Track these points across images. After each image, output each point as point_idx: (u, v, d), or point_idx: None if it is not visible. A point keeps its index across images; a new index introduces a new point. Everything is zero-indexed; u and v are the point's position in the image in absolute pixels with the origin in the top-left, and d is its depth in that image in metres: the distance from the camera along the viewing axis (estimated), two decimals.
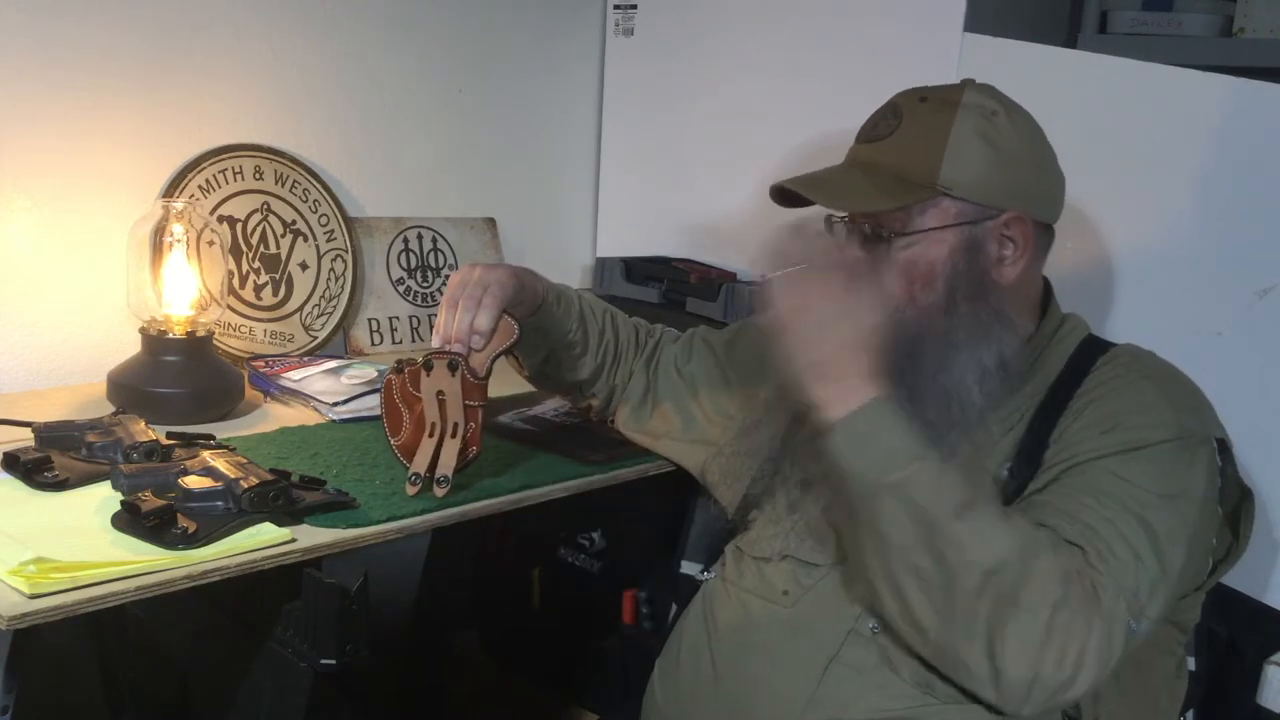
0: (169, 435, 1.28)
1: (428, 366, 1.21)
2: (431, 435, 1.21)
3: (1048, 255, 1.20)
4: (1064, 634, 0.95)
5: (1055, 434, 1.08)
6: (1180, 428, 1.05)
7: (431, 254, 1.99)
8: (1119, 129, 1.50)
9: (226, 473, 1.14)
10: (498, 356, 1.23)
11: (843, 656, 1.08)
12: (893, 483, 0.99)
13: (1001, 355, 1.10)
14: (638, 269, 1.99)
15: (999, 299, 1.13)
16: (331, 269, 1.83)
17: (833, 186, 1.15)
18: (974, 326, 1.11)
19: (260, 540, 1.07)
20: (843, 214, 1.19)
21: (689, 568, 1.55)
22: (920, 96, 1.15)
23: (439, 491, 1.20)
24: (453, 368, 1.19)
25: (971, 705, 1.03)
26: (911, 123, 1.13)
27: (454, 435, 1.21)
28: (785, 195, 1.18)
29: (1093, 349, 1.16)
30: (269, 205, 1.77)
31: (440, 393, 1.20)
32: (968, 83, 1.17)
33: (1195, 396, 1.12)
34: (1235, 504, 1.15)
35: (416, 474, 1.21)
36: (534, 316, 1.30)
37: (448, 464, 1.20)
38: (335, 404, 1.51)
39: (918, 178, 1.12)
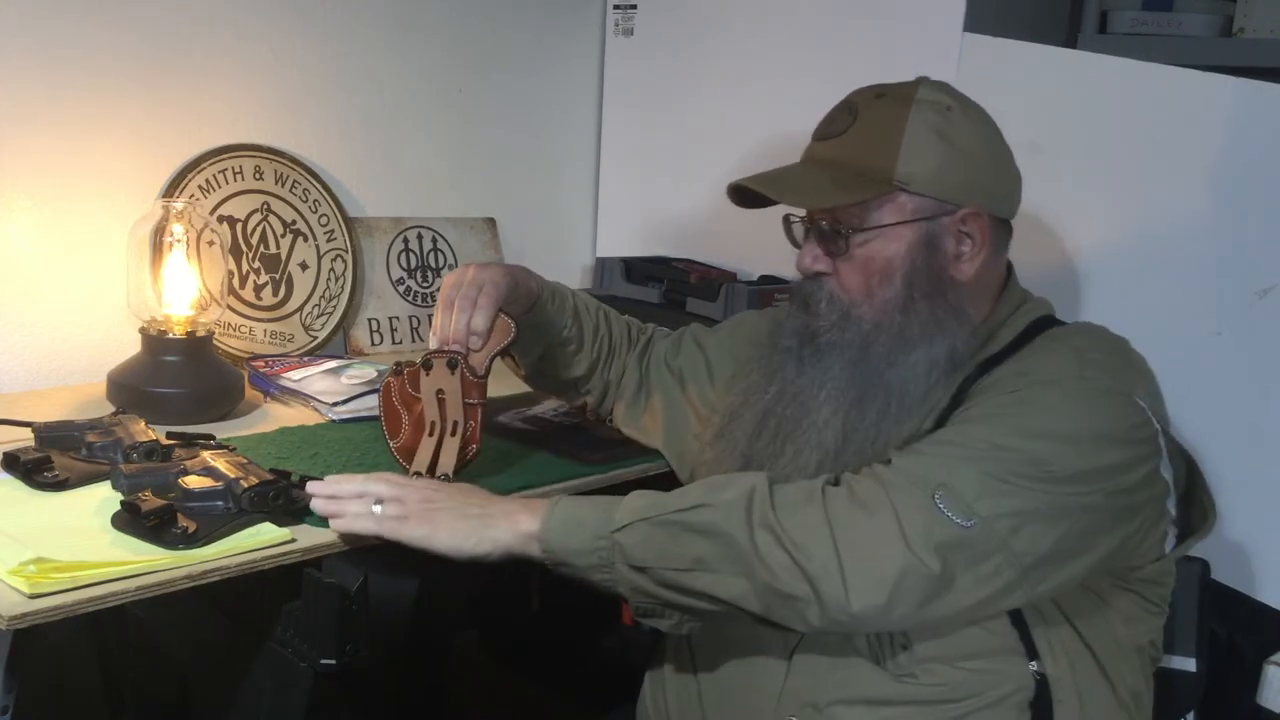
0: (169, 435, 1.28)
1: (427, 366, 1.21)
2: (431, 434, 1.22)
3: (1008, 249, 1.20)
4: (843, 522, 0.97)
5: (967, 397, 1.09)
6: (1079, 379, 1.05)
7: (431, 254, 1.99)
8: (1119, 129, 1.50)
9: (226, 473, 1.14)
10: (496, 355, 1.24)
11: (805, 642, 1.10)
12: (619, 522, 1.04)
13: (953, 349, 1.12)
14: (638, 269, 1.99)
15: (957, 295, 1.13)
16: (331, 269, 1.83)
17: (790, 183, 1.16)
18: (930, 323, 1.12)
19: (260, 540, 1.07)
20: (800, 213, 1.19)
21: None
22: (876, 93, 1.16)
23: None
24: (452, 366, 1.20)
25: (926, 682, 1.04)
26: (867, 119, 1.14)
27: (454, 434, 1.21)
28: (742, 196, 1.20)
29: (1041, 328, 1.15)
30: (269, 205, 1.77)
31: (440, 391, 1.21)
32: (922, 79, 1.17)
33: (1116, 359, 1.10)
34: (1185, 475, 1.14)
35: (418, 473, 1.21)
36: (529, 314, 1.30)
37: (448, 462, 1.20)
38: (335, 404, 1.51)
39: (874, 173, 1.12)
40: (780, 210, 1.20)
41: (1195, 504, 1.15)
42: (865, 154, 1.13)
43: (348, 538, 1.10)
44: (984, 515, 0.97)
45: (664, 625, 1.07)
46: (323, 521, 1.13)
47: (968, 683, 1.06)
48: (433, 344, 1.23)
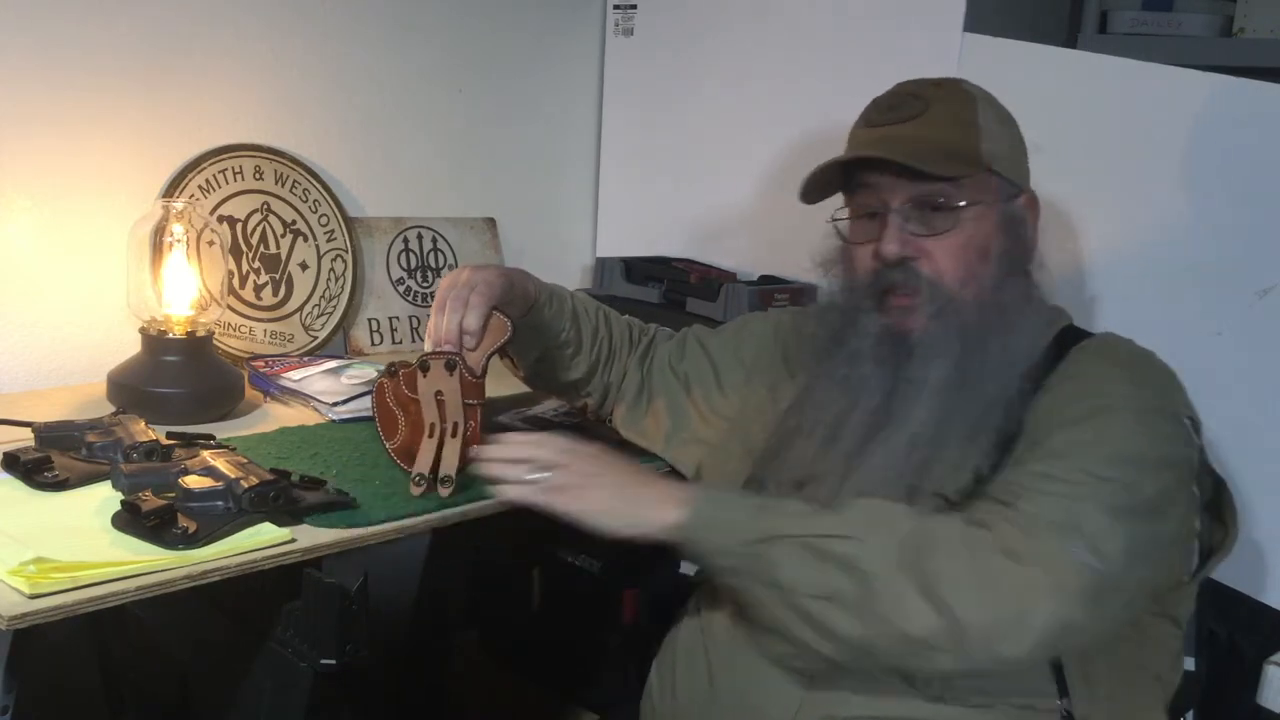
0: (169, 435, 1.28)
1: (424, 368, 1.21)
2: (432, 436, 1.21)
3: None
4: (997, 574, 0.95)
5: (1025, 417, 1.09)
6: (1139, 399, 1.06)
7: (431, 254, 1.99)
8: (1119, 129, 1.50)
9: (226, 472, 1.14)
10: (493, 354, 1.23)
11: None
12: (765, 531, 1.02)
13: (1037, 333, 1.13)
14: (638, 269, 1.99)
15: (1029, 276, 1.16)
16: (331, 269, 1.83)
17: (907, 155, 1.11)
18: (1023, 302, 1.13)
19: (260, 540, 1.07)
20: (844, 212, 1.18)
21: (689, 567, 1.55)
22: (933, 82, 1.18)
23: (443, 491, 1.20)
24: (450, 367, 1.20)
25: (955, 705, 1.03)
26: (940, 102, 1.14)
27: (454, 435, 1.21)
28: (813, 187, 1.18)
29: (1069, 339, 1.16)
30: (269, 205, 1.77)
31: (439, 393, 1.21)
32: (950, 78, 1.19)
33: (1163, 378, 1.11)
34: (1213, 494, 1.15)
35: (420, 474, 1.21)
36: (527, 316, 1.30)
37: (451, 464, 1.20)
38: (335, 404, 1.51)
39: (965, 152, 1.13)
40: (807, 209, 1.19)
41: (1218, 520, 1.15)
42: (953, 134, 1.13)
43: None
44: (1109, 555, 0.97)
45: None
46: (323, 521, 1.13)
47: (997, 707, 1.05)
48: (428, 346, 1.23)
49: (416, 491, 1.20)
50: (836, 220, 1.20)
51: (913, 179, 1.11)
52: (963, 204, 1.11)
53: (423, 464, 1.21)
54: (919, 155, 1.10)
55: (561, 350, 1.36)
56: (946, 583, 0.96)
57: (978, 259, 1.12)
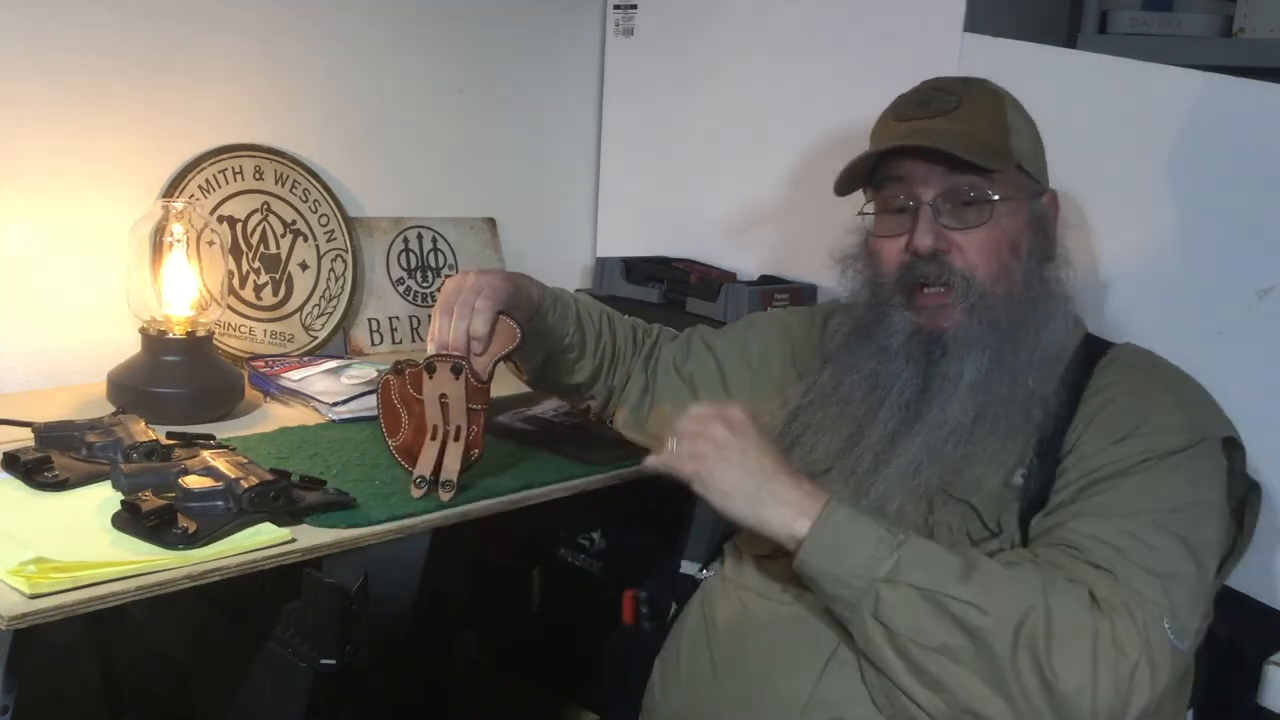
0: (169, 435, 1.28)
1: (430, 369, 1.20)
2: (434, 438, 1.21)
3: None
4: (1108, 661, 0.95)
5: (1068, 441, 1.08)
6: (1193, 431, 1.06)
7: (431, 254, 1.99)
8: (1119, 129, 1.50)
9: (226, 472, 1.14)
10: (500, 360, 1.23)
11: (841, 654, 1.07)
12: (888, 571, 0.99)
13: (1064, 331, 1.14)
14: (638, 269, 1.99)
15: (1057, 270, 1.16)
16: (331, 269, 1.83)
17: (952, 144, 1.11)
18: (1054, 296, 1.14)
19: (260, 540, 1.07)
20: (870, 208, 1.18)
21: (689, 567, 1.55)
22: (961, 79, 1.19)
23: (444, 495, 1.20)
24: (456, 371, 1.19)
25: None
26: (971, 99, 1.15)
27: (457, 438, 1.21)
28: (849, 178, 1.18)
29: (1093, 348, 1.17)
30: (269, 205, 1.77)
31: (443, 396, 1.20)
32: (976, 77, 1.20)
33: (1201, 395, 1.13)
34: (1241, 497, 1.15)
35: (421, 476, 1.21)
36: (531, 321, 1.29)
37: (452, 467, 1.20)
38: (335, 404, 1.51)
39: (996, 148, 1.13)
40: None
41: (1239, 524, 1.15)
42: (983, 129, 1.13)
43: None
44: (1192, 632, 1.00)
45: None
46: (323, 521, 1.13)
47: None
48: (430, 349, 1.22)
49: (417, 494, 1.20)
50: (864, 214, 1.19)
51: (946, 172, 1.11)
52: (996, 198, 1.12)
53: (424, 466, 1.21)
54: (961, 147, 1.10)
55: (565, 354, 1.35)
56: (1063, 673, 0.95)
57: (1010, 253, 1.12)
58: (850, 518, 1.02)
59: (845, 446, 1.15)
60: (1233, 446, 1.10)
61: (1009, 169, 1.13)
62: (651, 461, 1.10)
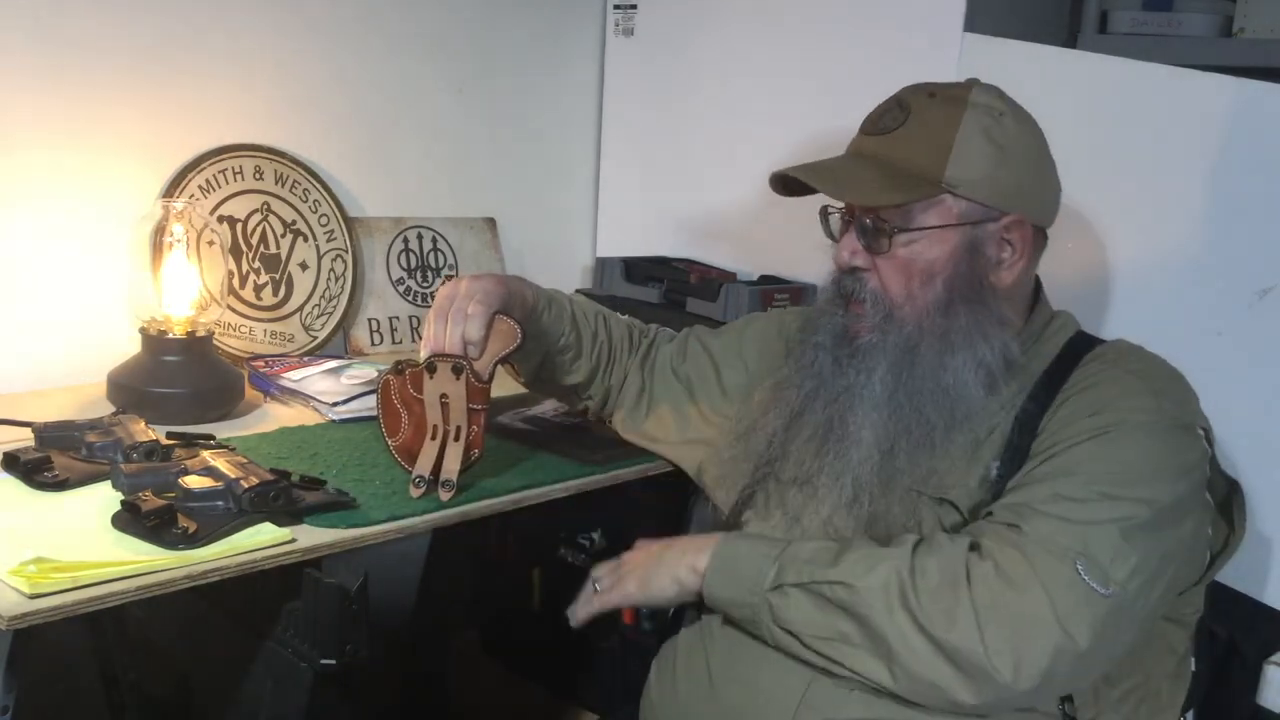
0: (169, 435, 1.28)
1: (431, 369, 1.21)
2: (434, 438, 1.21)
3: (1040, 258, 1.19)
4: (993, 605, 0.96)
5: (1041, 427, 1.09)
6: (1159, 412, 1.06)
7: (431, 254, 1.99)
8: (1119, 129, 1.50)
9: (227, 472, 1.14)
10: (501, 360, 1.23)
11: None
12: (772, 580, 1.06)
13: (1006, 350, 1.12)
14: (638, 269, 1.99)
15: (995, 301, 1.13)
16: (331, 269, 1.83)
17: (838, 177, 1.14)
18: (971, 329, 1.11)
19: (260, 540, 1.07)
20: (839, 206, 1.18)
21: None
22: (928, 92, 1.15)
23: (444, 495, 1.20)
24: (457, 371, 1.19)
25: (953, 715, 1.02)
26: (919, 118, 1.12)
27: (457, 439, 1.21)
28: (785, 184, 1.18)
29: (1081, 345, 1.16)
30: (269, 205, 1.77)
31: (444, 396, 1.20)
32: (974, 82, 1.16)
33: (1178, 386, 1.12)
34: (1225, 496, 1.15)
35: (421, 476, 1.21)
36: (526, 323, 1.29)
37: (452, 468, 1.20)
38: (335, 404, 1.51)
39: (924, 174, 1.11)
40: (811, 202, 1.19)
41: (1226, 522, 1.15)
42: (916, 153, 1.11)
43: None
44: (1119, 580, 0.98)
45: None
46: (323, 521, 1.13)
47: (997, 714, 1.04)
48: (423, 354, 1.23)
49: (416, 493, 1.20)
50: (829, 213, 1.20)
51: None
52: (896, 230, 1.12)
53: (424, 466, 1.21)
54: (856, 181, 1.12)
55: (562, 355, 1.36)
56: (942, 619, 0.97)
57: (919, 282, 1.12)
58: (735, 549, 1.11)
59: (784, 435, 1.20)
60: (1208, 439, 1.09)
61: (929, 197, 1.11)
62: (580, 613, 1.22)
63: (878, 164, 1.13)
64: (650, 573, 1.16)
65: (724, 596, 1.09)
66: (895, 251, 1.12)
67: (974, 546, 1.01)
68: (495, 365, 1.22)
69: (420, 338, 1.96)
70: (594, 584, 1.21)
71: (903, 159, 1.12)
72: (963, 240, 1.12)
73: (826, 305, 1.20)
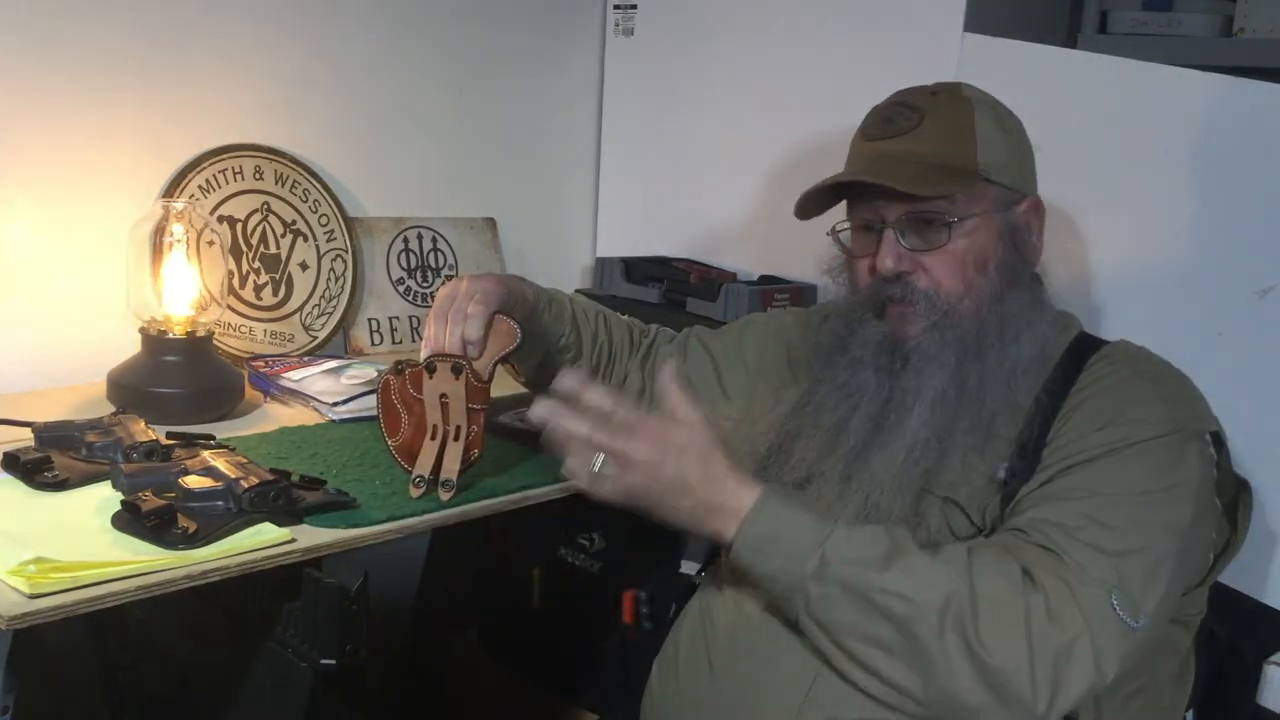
0: (169, 435, 1.28)
1: (430, 369, 1.21)
2: (434, 438, 1.21)
3: None
4: (1044, 638, 0.95)
5: (1051, 433, 1.08)
6: (1172, 422, 1.05)
7: (431, 254, 1.99)
8: (1119, 129, 1.50)
9: (227, 472, 1.14)
10: (500, 360, 1.23)
11: None
12: (814, 569, 1.00)
13: (1044, 340, 1.13)
14: (638, 269, 1.99)
15: (1034, 284, 1.16)
16: (331, 269, 1.83)
17: (895, 175, 1.11)
18: (1020, 313, 1.12)
19: (260, 540, 1.07)
20: (848, 223, 1.17)
21: (689, 568, 1.55)
22: (929, 91, 1.17)
23: (444, 495, 1.20)
24: (457, 371, 1.19)
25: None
26: (935, 114, 1.14)
27: (457, 438, 1.21)
28: (803, 203, 1.17)
29: (1085, 347, 1.16)
30: (269, 205, 1.77)
31: (444, 395, 1.20)
32: (951, 83, 1.18)
33: (1187, 390, 1.12)
34: (1233, 496, 1.15)
35: (421, 476, 1.21)
36: (527, 322, 1.30)
37: (452, 467, 1.20)
38: (335, 404, 1.51)
39: (960, 164, 1.12)
40: (814, 220, 1.18)
41: (1230, 522, 1.15)
42: (946, 146, 1.12)
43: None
44: (1148, 611, 0.98)
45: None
46: (323, 521, 1.13)
47: None
48: (423, 355, 1.23)
49: (416, 493, 1.21)
50: (839, 231, 1.20)
51: (906, 196, 1.11)
52: (955, 219, 1.11)
53: (423, 466, 1.21)
54: (908, 177, 1.10)
55: (562, 354, 1.36)
56: (997, 649, 0.95)
57: (975, 271, 1.12)
58: (773, 517, 1.02)
59: (819, 456, 1.16)
60: (1219, 442, 1.10)
61: (973, 185, 1.12)
62: (580, 483, 1.04)
63: (911, 161, 1.12)
64: (667, 500, 1.03)
65: (757, 570, 1.03)
66: (954, 243, 1.12)
67: (1026, 574, 0.99)
68: (495, 365, 1.22)
69: (421, 338, 1.97)
70: (597, 462, 1.02)
71: (932, 153, 1.12)
72: (1002, 225, 1.14)
73: (852, 316, 1.17)
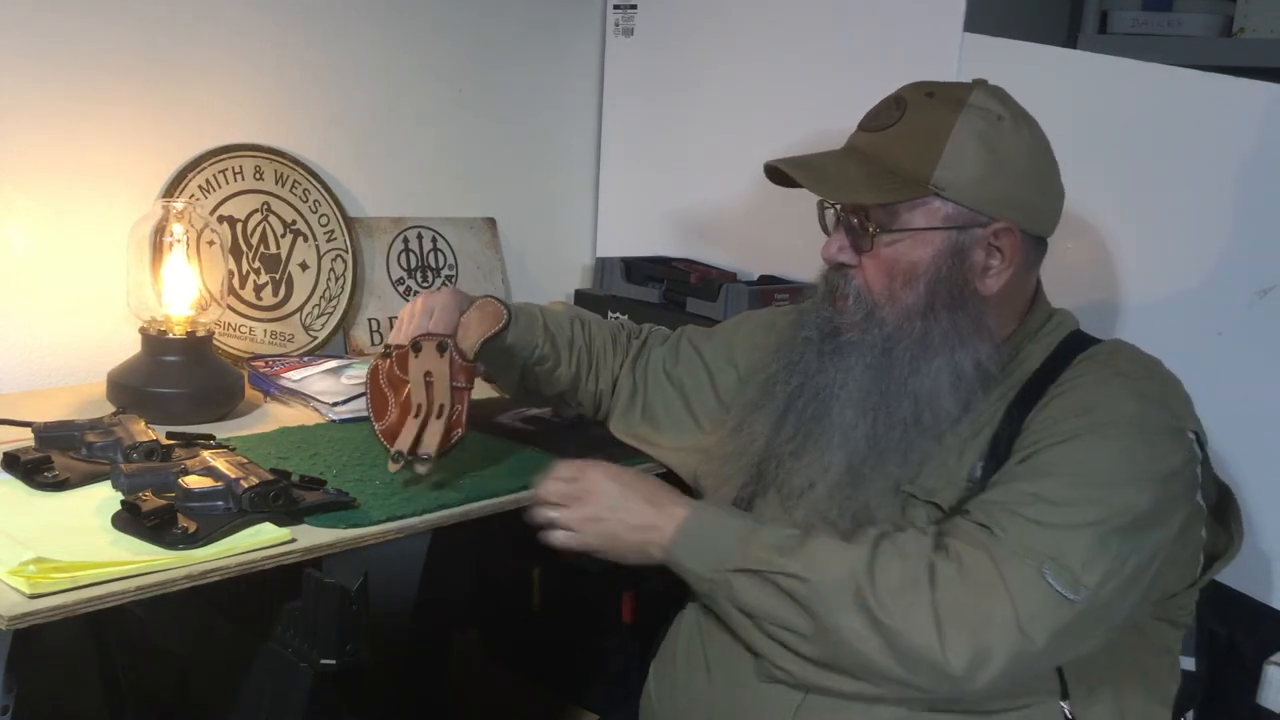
0: (169, 435, 1.28)
1: (416, 349, 1.22)
2: (417, 416, 1.21)
3: (1039, 266, 1.18)
4: (953, 605, 0.96)
5: (1024, 425, 1.08)
6: (1143, 417, 1.05)
7: (431, 254, 1.99)
8: (1119, 129, 1.50)
9: (227, 472, 1.14)
10: (487, 340, 1.24)
11: None
12: (737, 562, 1.06)
13: (978, 361, 1.10)
14: (638, 269, 1.99)
15: (978, 308, 1.11)
16: (331, 269, 1.83)
17: (825, 173, 1.14)
18: (950, 334, 1.10)
19: (260, 540, 1.07)
20: (832, 201, 1.17)
21: None
22: (927, 91, 1.13)
23: (420, 469, 1.20)
24: (441, 349, 1.21)
25: (949, 712, 1.03)
26: (913, 117, 1.11)
27: (439, 416, 1.21)
28: (779, 174, 1.18)
29: (1074, 345, 1.15)
30: (269, 205, 1.77)
31: (428, 374, 1.21)
32: (979, 83, 1.14)
33: (1169, 389, 1.11)
34: (1217, 501, 1.14)
35: (399, 452, 1.20)
36: (496, 339, 1.30)
37: (430, 443, 1.20)
38: (335, 404, 1.51)
39: (911, 174, 1.10)
40: (811, 201, 1.18)
41: (1223, 527, 1.15)
42: (906, 153, 1.10)
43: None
44: (1090, 585, 0.98)
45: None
46: (323, 521, 1.13)
47: (996, 714, 1.05)
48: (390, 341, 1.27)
49: (394, 468, 1.20)
50: (825, 207, 1.19)
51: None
52: (875, 228, 1.11)
53: (403, 442, 1.21)
54: (846, 177, 1.12)
55: (540, 365, 1.36)
56: (898, 619, 0.97)
57: (901, 283, 1.11)
58: (703, 525, 1.11)
59: (772, 431, 1.19)
60: (1199, 443, 1.09)
61: (916, 198, 1.10)
62: (555, 539, 1.17)
63: (867, 161, 1.12)
64: (615, 534, 1.14)
65: (688, 569, 1.10)
66: (879, 250, 1.12)
67: (941, 545, 1.01)
68: (481, 345, 1.23)
69: None
70: (549, 502, 1.17)
71: (892, 157, 1.11)
72: (948, 244, 1.10)
73: (817, 300, 1.20)
